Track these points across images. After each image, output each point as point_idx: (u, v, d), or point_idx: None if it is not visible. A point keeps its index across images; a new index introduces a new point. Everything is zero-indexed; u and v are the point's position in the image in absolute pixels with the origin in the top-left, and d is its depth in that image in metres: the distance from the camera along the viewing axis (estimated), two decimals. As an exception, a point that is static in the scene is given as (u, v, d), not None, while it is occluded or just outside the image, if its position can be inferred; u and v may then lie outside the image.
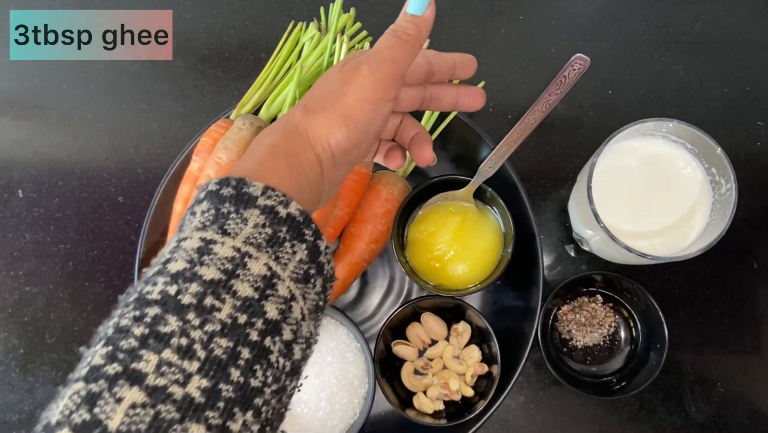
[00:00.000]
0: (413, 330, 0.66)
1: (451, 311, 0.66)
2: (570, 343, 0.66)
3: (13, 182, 0.74)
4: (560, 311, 0.66)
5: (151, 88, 0.75)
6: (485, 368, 0.63)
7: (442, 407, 0.63)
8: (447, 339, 0.65)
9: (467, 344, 0.65)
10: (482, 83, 0.67)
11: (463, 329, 0.65)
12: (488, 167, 0.61)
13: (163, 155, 0.73)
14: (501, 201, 0.63)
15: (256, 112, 0.66)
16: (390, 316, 0.62)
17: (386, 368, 0.64)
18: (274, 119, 0.65)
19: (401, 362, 0.65)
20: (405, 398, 0.64)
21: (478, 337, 0.65)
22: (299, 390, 0.60)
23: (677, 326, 0.66)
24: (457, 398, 0.63)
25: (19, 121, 0.75)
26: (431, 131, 0.66)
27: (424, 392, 0.64)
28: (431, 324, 0.65)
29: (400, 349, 0.65)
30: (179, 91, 0.75)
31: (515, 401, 0.66)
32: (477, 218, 0.65)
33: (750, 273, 0.67)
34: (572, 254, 0.69)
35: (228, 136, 0.62)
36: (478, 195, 0.65)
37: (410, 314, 0.66)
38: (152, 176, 0.72)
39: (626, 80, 0.72)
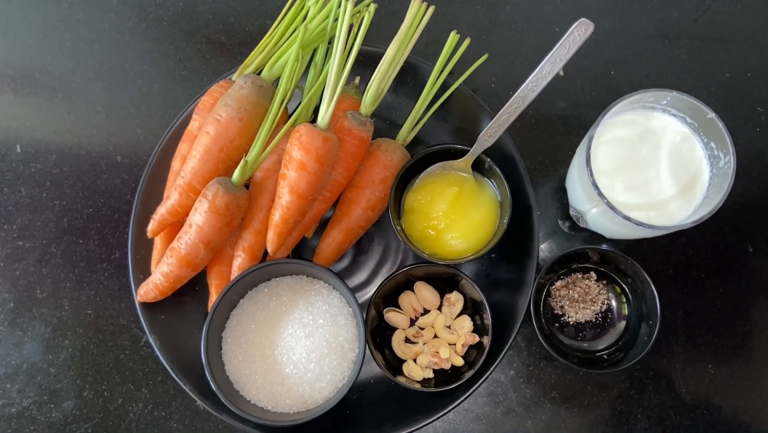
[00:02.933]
0: (406, 298, 0.65)
1: (445, 281, 0.66)
2: (562, 319, 0.66)
3: (12, 137, 0.74)
4: (553, 287, 0.66)
5: (155, 50, 0.75)
6: (476, 338, 0.62)
7: (431, 375, 0.63)
8: (439, 309, 0.65)
9: (459, 315, 0.65)
10: (485, 56, 0.67)
11: (456, 298, 0.64)
12: (488, 136, 0.61)
13: (163, 116, 0.73)
14: (499, 172, 0.62)
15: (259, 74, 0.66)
16: (383, 282, 0.62)
17: (377, 335, 0.64)
18: (276, 80, 0.65)
19: (393, 329, 0.65)
20: (395, 365, 0.64)
21: (470, 308, 0.65)
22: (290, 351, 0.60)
23: (670, 306, 0.66)
24: (447, 366, 0.63)
25: (20, 77, 0.75)
26: (432, 102, 0.66)
27: (414, 360, 0.63)
28: (424, 293, 0.65)
29: (391, 316, 0.65)
30: (182, 53, 0.75)
31: (505, 375, 0.66)
32: (474, 189, 0.65)
33: (745, 257, 0.67)
34: (566, 230, 0.69)
35: (229, 93, 0.62)
36: (477, 167, 0.65)
37: (403, 282, 0.66)
38: (151, 137, 0.72)
39: (629, 61, 0.72)
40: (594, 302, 0.65)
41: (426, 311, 0.66)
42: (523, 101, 0.58)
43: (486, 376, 0.61)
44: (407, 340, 0.65)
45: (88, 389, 0.67)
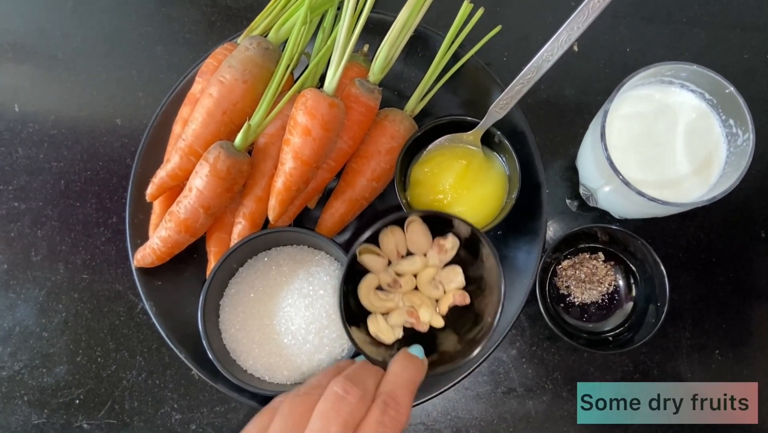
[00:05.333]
0: (390, 237, 0.54)
1: (443, 224, 0.54)
2: (567, 299, 0.64)
3: (10, 96, 0.72)
4: (560, 266, 0.65)
5: (159, 11, 0.73)
6: (466, 299, 0.54)
7: (401, 335, 0.53)
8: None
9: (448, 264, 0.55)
10: (498, 27, 0.65)
11: (450, 246, 0.54)
12: (499, 108, 0.60)
13: (165, 80, 0.71)
14: (509, 146, 0.61)
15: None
16: (377, 225, 0.52)
17: (347, 281, 0.53)
18: (284, 43, 0.63)
19: (364, 270, 0.54)
20: (357, 315, 0.53)
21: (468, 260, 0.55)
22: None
23: (679, 290, 0.65)
24: (423, 329, 0.53)
25: (21, 35, 0.73)
26: (441, 74, 0.65)
27: (384, 315, 0.54)
28: (416, 235, 0.54)
29: (367, 259, 0.53)
30: (187, 16, 0.73)
31: (507, 354, 0.65)
32: (483, 163, 0.63)
33: (757, 242, 0.66)
34: (574, 209, 0.68)
35: (234, 55, 0.60)
36: (486, 141, 0.63)
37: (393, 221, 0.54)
38: (152, 101, 0.71)
39: (646, 39, 0.70)
40: (601, 283, 0.64)
41: (410, 255, 0.55)
42: (537, 71, 0.56)
43: (487, 355, 0.60)
44: (380, 288, 0.54)
45: (82, 355, 0.66)
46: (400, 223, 0.54)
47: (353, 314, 0.53)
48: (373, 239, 0.54)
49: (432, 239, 0.55)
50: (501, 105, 0.59)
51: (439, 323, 0.54)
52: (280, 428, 0.40)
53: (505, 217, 0.60)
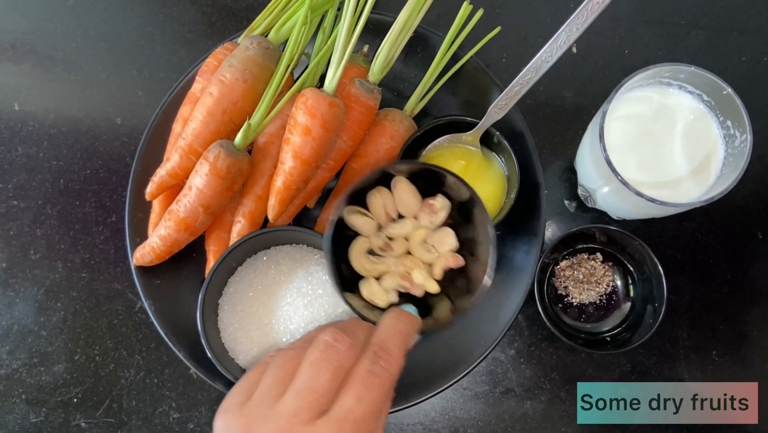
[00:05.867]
0: (378, 197, 0.53)
1: (430, 182, 0.53)
2: (565, 299, 0.64)
3: (10, 95, 0.72)
4: (558, 267, 0.65)
5: (159, 11, 0.73)
6: (459, 261, 0.52)
7: (396, 299, 0.53)
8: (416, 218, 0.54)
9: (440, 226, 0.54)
10: (498, 28, 0.65)
11: (441, 205, 0.52)
12: (498, 108, 0.60)
13: (165, 79, 0.71)
14: (508, 146, 0.61)
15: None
16: (361, 179, 0.51)
17: (334, 243, 0.51)
18: (284, 43, 0.63)
19: (355, 235, 0.53)
20: (351, 281, 0.53)
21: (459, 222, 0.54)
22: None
23: (676, 291, 0.65)
24: (419, 294, 0.52)
25: (21, 34, 0.74)
26: (441, 75, 0.65)
27: (377, 279, 0.53)
28: (403, 194, 0.53)
29: (355, 220, 0.52)
30: (187, 16, 0.73)
31: (505, 354, 0.65)
32: (482, 164, 0.63)
33: (754, 244, 0.66)
34: (572, 210, 0.68)
35: (234, 54, 0.60)
36: (485, 141, 0.64)
37: (377, 180, 0.53)
38: (153, 100, 0.71)
39: (644, 41, 0.71)
40: (599, 284, 0.64)
41: (400, 218, 0.54)
42: (536, 72, 0.56)
43: (486, 354, 0.60)
44: (371, 252, 0.53)
45: (80, 354, 0.66)
46: (386, 183, 0.53)
47: (345, 279, 0.52)
48: (360, 200, 0.53)
49: (421, 199, 0.53)
50: (500, 106, 0.60)
51: (433, 287, 0.52)
52: (271, 381, 0.40)
53: (503, 217, 0.60)
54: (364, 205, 0.53)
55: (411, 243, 0.53)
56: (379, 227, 0.54)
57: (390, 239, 0.53)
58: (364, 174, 0.52)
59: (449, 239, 0.53)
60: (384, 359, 0.41)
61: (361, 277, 0.53)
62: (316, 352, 0.40)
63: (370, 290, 0.52)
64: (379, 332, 0.43)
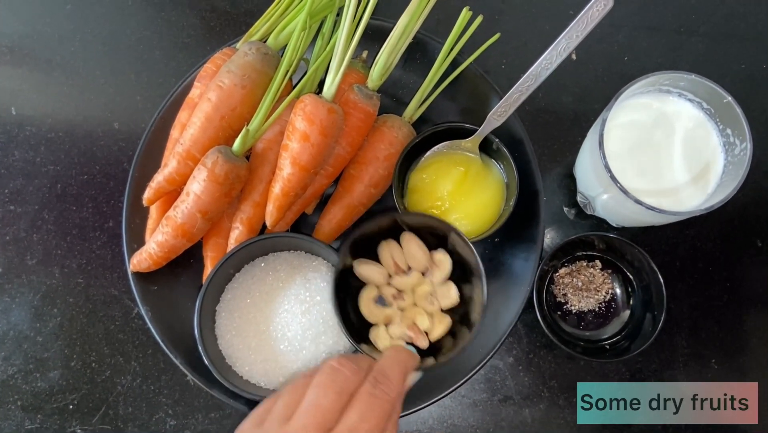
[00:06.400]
0: (388, 249, 0.56)
1: (437, 238, 0.57)
2: (564, 307, 0.64)
3: (7, 99, 0.72)
4: (557, 274, 0.65)
5: (158, 16, 0.73)
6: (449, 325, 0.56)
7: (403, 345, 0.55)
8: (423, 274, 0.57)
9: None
10: (497, 35, 0.65)
11: (442, 259, 0.56)
12: (498, 115, 0.60)
13: (163, 84, 0.71)
14: (507, 153, 0.61)
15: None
16: (363, 225, 0.54)
17: (340, 291, 0.55)
18: (283, 48, 0.63)
19: (361, 284, 0.56)
20: (358, 328, 0.56)
21: (460, 274, 0.57)
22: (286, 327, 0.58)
23: (675, 299, 0.65)
24: (423, 345, 0.55)
25: (18, 38, 0.73)
26: (440, 81, 0.65)
27: (386, 326, 0.56)
28: (412, 248, 0.56)
29: (364, 270, 0.55)
30: (186, 21, 0.73)
31: (504, 362, 0.65)
32: (481, 171, 0.63)
33: (754, 252, 0.66)
34: (571, 217, 0.68)
35: (233, 60, 0.60)
36: (484, 148, 0.63)
37: (386, 230, 0.57)
38: (150, 105, 0.70)
39: (644, 48, 0.71)
40: (598, 291, 0.64)
41: (409, 270, 0.56)
42: (535, 80, 0.56)
43: (484, 362, 0.60)
44: (380, 300, 0.56)
45: (76, 360, 0.66)
46: (395, 235, 0.56)
47: (353, 325, 0.55)
48: (364, 248, 0.56)
49: (428, 253, 0.57)
50: (499, 112, 0.59)
51: (437, 334, 0.55)
52: (282, 406, 0.42)
53: (502, 224, 0.60)
54: (366, 252, 0.56)
55: (417, 297, 0.56)
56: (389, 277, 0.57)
57: (399, 290, 0.57)
58: (365, 224, 0.55)
59: (452, 293, 0.56)
60: (384, 384, 0.43)
61: (369, 325, 0.56)
62: (322, 375, 0.43)
63: (378, 336, 0.55)
64: (381, 361, 0.47)
